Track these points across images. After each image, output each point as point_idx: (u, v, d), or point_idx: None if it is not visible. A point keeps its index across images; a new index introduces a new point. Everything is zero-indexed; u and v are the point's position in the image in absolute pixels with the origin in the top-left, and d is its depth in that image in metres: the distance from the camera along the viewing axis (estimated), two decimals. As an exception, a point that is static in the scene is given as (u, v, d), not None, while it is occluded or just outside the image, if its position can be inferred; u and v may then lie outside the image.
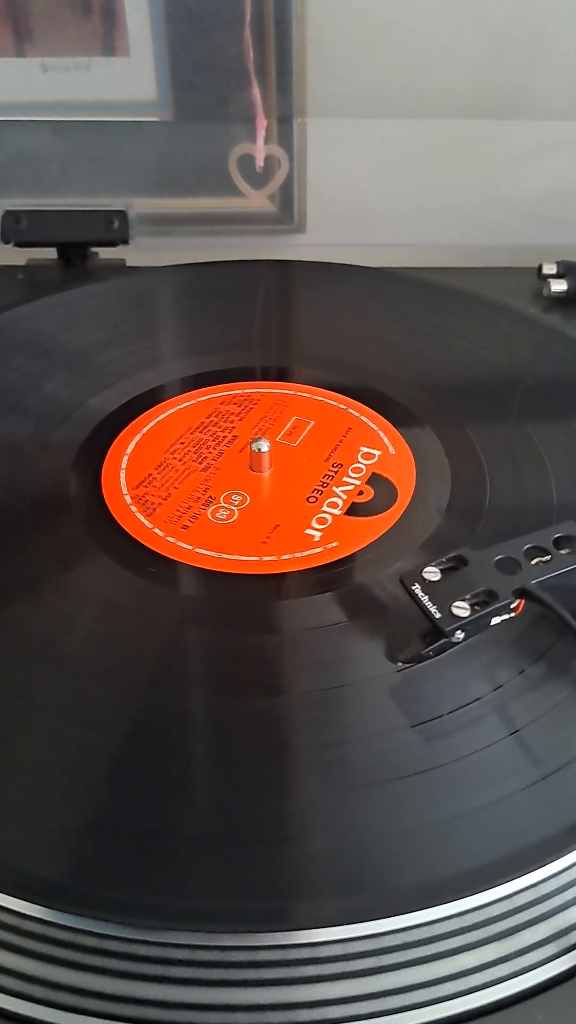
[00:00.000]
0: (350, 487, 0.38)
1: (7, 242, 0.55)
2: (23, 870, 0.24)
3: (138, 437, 0.41)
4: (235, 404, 0.43)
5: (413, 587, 0.30)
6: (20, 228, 0.55)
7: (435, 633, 0.29)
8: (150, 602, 0.33)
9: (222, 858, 0.25)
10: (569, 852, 0.25)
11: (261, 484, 0.38)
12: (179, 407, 0.43)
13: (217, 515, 0.36)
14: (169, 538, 0.35)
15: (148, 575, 0.33)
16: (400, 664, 0.30)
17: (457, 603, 0.29)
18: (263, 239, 0.63)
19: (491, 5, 0.57)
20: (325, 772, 0.27)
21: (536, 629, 0.31)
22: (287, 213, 0.62)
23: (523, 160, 0.62)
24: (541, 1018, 0.24)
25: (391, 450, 0.39)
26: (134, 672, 0.30)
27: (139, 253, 0.56)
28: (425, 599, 0.30)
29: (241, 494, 0.38)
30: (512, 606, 0.30)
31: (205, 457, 0.40)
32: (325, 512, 0.36)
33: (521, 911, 0.25)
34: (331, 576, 0.34)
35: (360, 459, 0.39)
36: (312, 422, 0.42)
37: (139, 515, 0.36)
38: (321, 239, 0.62)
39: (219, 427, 0.41)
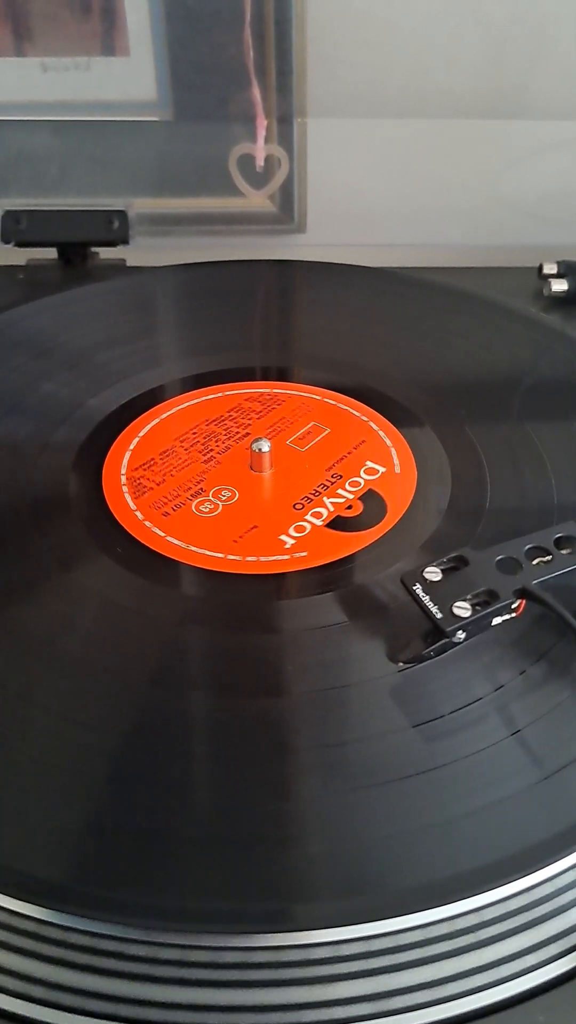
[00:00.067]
0: (341, 500, 0.37)
1: (7, 242, 0.55)
2: (23, 870, 0.24)
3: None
4: (259, 402, 0.43)
5: (414, 587, 0.30)
6: (20, 228, 0.55)
7: (436, 633, 0.29)
8: (151, 602, 0.33)
9: (222, 859, 0.25)
10: (570, 853, 0.25)
11: (255, 484, 0.38)
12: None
13: (201, 508, 0.36)
14: (147, 522, 0.35)
15: (148, 575, 0.33)
16: (401, 664, 0.30)
17: (458, 603, 0.29)
18: (263, 239, 0.63)
19: (491, 5, 0.57)
20: (325, 772, 0.27)
21: (537, 629, 0.31)
22: (287, 213, 0.62)
23: (523, 160, 0.62)
24: (543, 1019, 0.24)
25: (396, 469, 0.39)
26: (134, 672, 0.30)
27: (139, 253, 0.56)
28: (426, 599, 0.30)
29: (231, 490, 0.37)
30: (513, 606, 0.30)
31: (211, 450, 0.40)
32: (306, 521, 0.36)
33: (522, 912, 0.25)
34: (332, 576, 0.34)
35: (362, 473, 0.38)
36: (328, 429, 0.41)
37: (127, 495, 0.36)
38: (321, 239, 0.62)
39: (236, 422, 0.41)
